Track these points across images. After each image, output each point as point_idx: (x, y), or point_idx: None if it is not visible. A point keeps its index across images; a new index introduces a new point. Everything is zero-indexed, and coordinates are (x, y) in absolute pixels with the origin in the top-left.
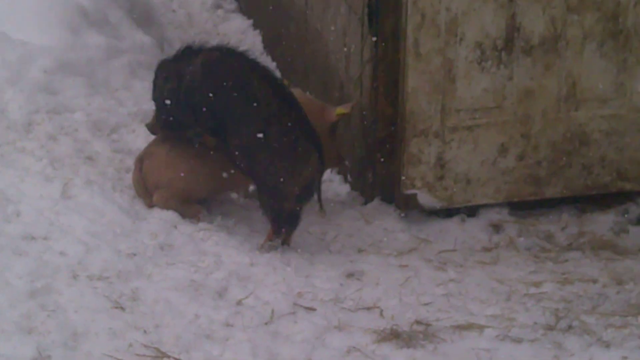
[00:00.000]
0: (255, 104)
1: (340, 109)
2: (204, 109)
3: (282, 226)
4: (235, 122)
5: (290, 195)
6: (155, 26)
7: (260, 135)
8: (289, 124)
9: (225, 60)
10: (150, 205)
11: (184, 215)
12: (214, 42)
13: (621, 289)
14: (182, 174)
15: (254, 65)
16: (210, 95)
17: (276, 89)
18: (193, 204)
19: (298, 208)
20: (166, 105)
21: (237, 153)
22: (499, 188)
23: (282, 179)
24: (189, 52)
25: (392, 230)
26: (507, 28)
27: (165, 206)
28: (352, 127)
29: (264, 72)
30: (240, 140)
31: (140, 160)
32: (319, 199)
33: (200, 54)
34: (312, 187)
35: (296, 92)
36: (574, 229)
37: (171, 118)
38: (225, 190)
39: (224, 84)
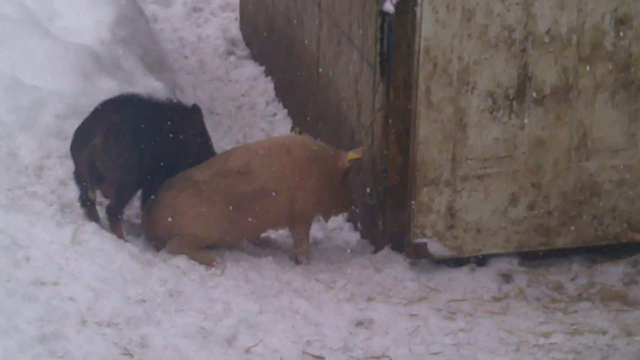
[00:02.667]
0: None
1: (352, 154)
2: None
3: None
4: None
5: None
6: (168, 72)
7: None
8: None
9: None
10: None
11: (199, 262)
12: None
13: (631, 340)
14: (190, 221)
15: None
16: None
17: None
18: (207, 251)
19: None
20: None
21: None
22: (509, 238)
23: None
24: None
25: (401, 278)
26: (519, 77)
27: (179, 254)
28: (363, 175)
29: None
30: None
31: (149, 208)
32: None
33: None
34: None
35: (307, 138)
36: (584, 280)
37: None
38: (236, 236)
39: None
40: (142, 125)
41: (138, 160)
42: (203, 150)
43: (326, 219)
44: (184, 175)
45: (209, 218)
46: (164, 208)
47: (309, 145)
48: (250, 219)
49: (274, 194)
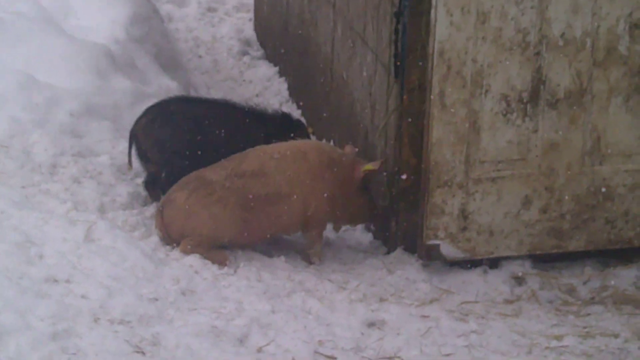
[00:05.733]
0: None
1: (368, 166)
2: None
3: None
4: None
5: None
6: (182, 71)
7: None
8: None
9: None
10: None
11: (212, 261)
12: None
13: None
14: (202, 221)
15: None
16: None
17: None
18: (219, 251)
19: None
20: None
21: None
22: (521, 240)
23: None
24: None
25: (414, 280)
26: (533, 81)
27: (192, 253)
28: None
29: None
30: None
31: (162, 207)
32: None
33: None
34: None
35: (324, 144)
36: (597, 283)
37: None
38: (248, 238)
39: None
40: (207, 122)
41: (183, 148)
42: None
43: (337, 228)
44: (197, 175)
45: (222, 218)
46: (177, 208)
47: (325, 151)
48: (262, 221)
49: (287, 198)
